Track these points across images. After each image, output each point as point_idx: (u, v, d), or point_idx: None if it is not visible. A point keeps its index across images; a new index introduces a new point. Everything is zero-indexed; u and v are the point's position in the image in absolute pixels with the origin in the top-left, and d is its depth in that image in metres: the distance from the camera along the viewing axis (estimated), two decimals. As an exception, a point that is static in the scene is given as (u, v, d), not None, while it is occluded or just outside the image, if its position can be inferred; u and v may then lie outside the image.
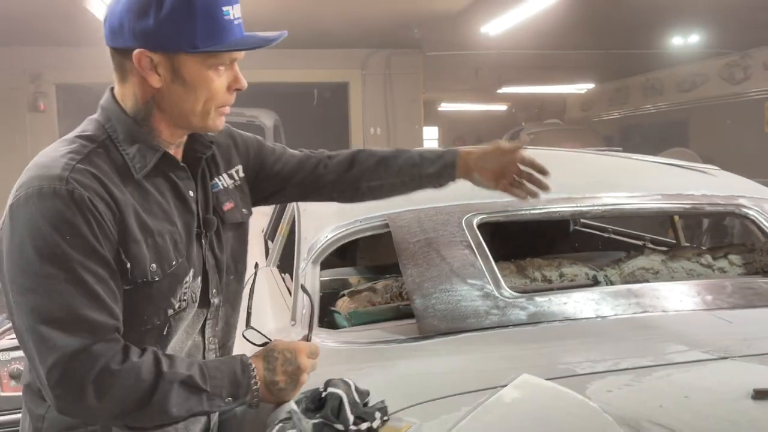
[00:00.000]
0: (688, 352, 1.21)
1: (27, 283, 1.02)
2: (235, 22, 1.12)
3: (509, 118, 16.94)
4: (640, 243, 2.81)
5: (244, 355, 1.15)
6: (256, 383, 1.12)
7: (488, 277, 1.50)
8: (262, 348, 1.18)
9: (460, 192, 1.61)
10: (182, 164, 1.20)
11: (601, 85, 13.21)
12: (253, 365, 1.13)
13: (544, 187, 1.47)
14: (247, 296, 1.33)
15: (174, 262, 1.14)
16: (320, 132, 8.90)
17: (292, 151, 1.48)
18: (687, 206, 1.86)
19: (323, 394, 1.00)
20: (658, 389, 1.07)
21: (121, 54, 1.11)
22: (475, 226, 1.67)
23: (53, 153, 1.09)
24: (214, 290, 1.25)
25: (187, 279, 1.18)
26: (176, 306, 1.16)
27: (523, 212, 1.77)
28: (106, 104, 1.16)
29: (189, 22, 1.07)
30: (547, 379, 1.10)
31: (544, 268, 1.87)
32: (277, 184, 1.44)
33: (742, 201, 1.90)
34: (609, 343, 1.30)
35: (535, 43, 7.97)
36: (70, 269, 1.01)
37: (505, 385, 1.09)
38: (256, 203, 1.44)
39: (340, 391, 0.98)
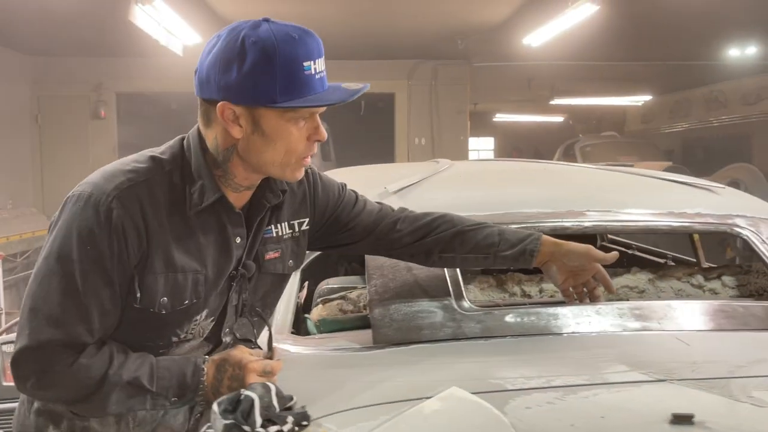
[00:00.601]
0: (627, 373, 1.18)
1: (41, 270, 1.12)
2: (317, 76, 1.16)
3: (566, 130, 16.63)
4: (662, 261, 2.74)
5: (200, 358, 1.20)
6: (203, 388, 1.16)
7: (451, 290, 1.51)
8: (222, 354, 1.22)
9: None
10: (238, 211, 1.24)
11: (661, 97, 12.82)
12: (205, 370, 1.17)
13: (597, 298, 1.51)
14: None
15: (186, 301, 1.19)
16: (366, 142, 9.01)
17: (371, 207, 1.48)
18: (674, 224, 1.81)
19: (241, 397, 1.04)
20: (577, 408, 1.06)
21: (207, 103, 1.17)
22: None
23: (122, 166, 1.17)
24: (227, 329, 1.29)
25: (198, 318, 1.23)
26: (182, 336, 1.23)
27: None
28: (193, 135, 1.22)
29: (269, 78, 1.12)
30: (474, 393, 1.11)
31: (524, 283, 1.85)
32: (348, 238, 1.46)
33: (737, 220, 1.83)
34: (552, 360, 1.29)
35: (587, 54, 7.84)
36: (70, 274, 1.10)
37: (430, 397, 1.10)
38: (326, 250, 1.53)
39: (253, 394, 1.02)
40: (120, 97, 8.80)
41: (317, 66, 1.16)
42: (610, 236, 3.11)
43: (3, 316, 5.29)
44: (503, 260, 1.48)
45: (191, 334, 1.24)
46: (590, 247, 1.49)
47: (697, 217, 1.85)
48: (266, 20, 1.17)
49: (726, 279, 1.84)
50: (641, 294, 1.78)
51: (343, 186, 1.49)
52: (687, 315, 1.48)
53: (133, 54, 7.20)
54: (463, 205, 1.84)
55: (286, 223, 1.36)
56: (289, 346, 1.47)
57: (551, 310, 1.48)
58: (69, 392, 1.12)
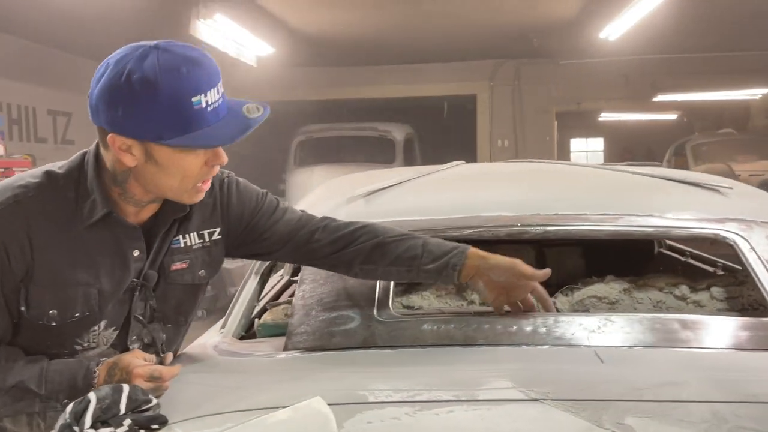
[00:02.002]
0: (503, 390, 1.10)
1: None
2: (209, 108, 1.14)
3: (682, 128, 15.53)
4: (710, 269, 2.50)
5: (94, 361, 1.23)
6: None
7: (377, 298, 1.46)
8: (114, 357, 1.25)
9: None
10: (134, 225, 1.26)
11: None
12: (97, 373, 1.21)
13: None
14: None
15: (78, 314, 1.23)
16: (449, 144, 8.92)
17: (290, 216, 1.45)
18: (648, 230, 1.64)
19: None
20: (418, 425, 0.99)
21: (100, 130, 1.18)
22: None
23: (13, 182, 1.23)
24: (134, 337, 1.33)
25: (96, 328, 1.27)
26: (84, 345, 1.28)
27: (454, 232, 1.68)
28: (92, 151, 1.25)
29: (155, 116, 1.11)
30: (334, 404, 1.07)
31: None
32: (266, 247, 1.43)
33: (729, 224, 1.64)
34: (438, 373, 1.21)
35: (687, 46, 7.31)
36: None
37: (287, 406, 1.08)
38: (248, 258, 1.53)
39: (92, 395, 1.04)
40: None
41: (209, 98, 1.14)
42: (668, 242, 2.88)
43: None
44: (426, 274, 1.41)
45: (94, 342, 1.28)
46: (517, 262, 1.40)
47: (683, 221, 1.67)
48: (156, 47, 1.15)
49: (715, 291, 1.66)
50: (612, 305, 1.64)
51: (264, 194, 1.46)
52: (624, 330, 1.34)
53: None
54: (424, 208, 1.80)
55: (195, 233, 1.36)
56: (211, 351, 1.49)
57: (475, 319, 1.40)
58: None
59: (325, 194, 2.09)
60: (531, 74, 8.50)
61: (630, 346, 1.30)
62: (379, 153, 8.77)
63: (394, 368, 1.26)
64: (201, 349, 1.62)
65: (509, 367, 1.22)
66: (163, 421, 1.09)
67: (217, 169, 1.26)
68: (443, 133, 9.30)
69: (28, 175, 1.24)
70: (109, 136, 1.15)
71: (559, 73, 8.63)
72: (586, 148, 19.76)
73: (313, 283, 1.55)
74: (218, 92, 1.17)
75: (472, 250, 1.40)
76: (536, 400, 1.04)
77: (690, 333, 1.33)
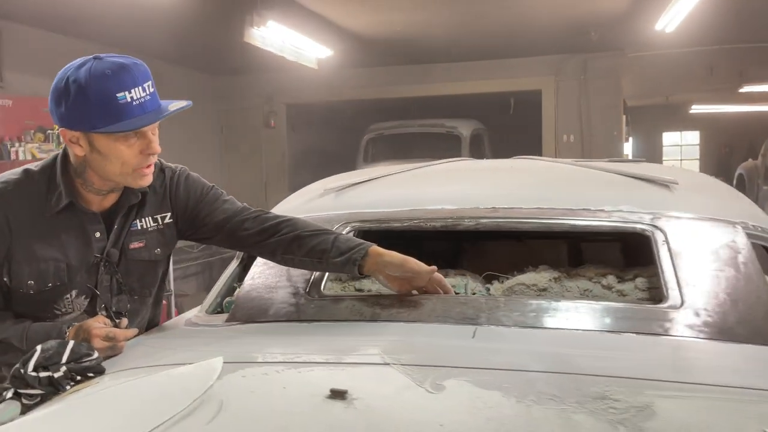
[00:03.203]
0: (365, 356, 1.27)
1: None
2: (135, 103, 1.43)
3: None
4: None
5: (66, 324, 1.53)
6: None
7: (311, 281, 1.68)
8: (81, 322, 1.53)
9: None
10: (93, 211, 1.56)
11: None
12: (67, 333, 1.50)
13: None
14: None
15: (50, 284, 1.54)
16: (515, 140, 8.90)
17: (228, 206, 1.70)
18: (574, 223, 1.75)
19: (38, 350, 1.34)
20: (280, 380, 1.19)
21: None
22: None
23: (2, 177, 1.56)
24: (102, 305, 1.61)
25: (68, 296, 1.57)
26: (62, 311, 1.58)
27: (396, 223, 1.86)
28: (62, 151, 1.57)
29: (87, 109, 1.42)
30: (229, 362, 1.28)
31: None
32: (206, 232, 1.71)
33: (650, 218, 1.71)
34: (325, 342, 1.41)
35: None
36: None
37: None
38: (196, 241, 1.81)
39: (38, 347, 1.32)
40: (289, 107, 9.77)
41: (133, 94, 1.43)
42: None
43: (173, 297, 6.29)
44: (333, 266, 1.62)
45: (69, 308, 1.58)
46: (408, 259, 1.58)
47: (610, 215, 1.77)
48: (96, 58, 1.46)
49: (639, 281, 1.75)
50: (541, 292, 1.76)
51: (210, 187, 1.74)
52: (513, 312, 1.47)
53: (272, 69, 7.99)
54: (379, 202, 2.00)
55: (150, 217, 1.65)
56: (182, 323, 1.76)
57: (385, 300, 1.58)
58: None
59: (308, 189, 2.31)
60: (598, 68, 8.32)
61: (509, 326, 1.43)
62: (445, 149, 8.88)
63: (296, 337, 1.47)
64: (177, 321, 1.90)
65: (389, 338, 1.39)
66: (98, 371, 1.36)
67: (153, 158, 1.53)
68: (510, 129, 9.28)
69: (10, 173, 1.56)
70: (60, 130, 1.46)
71: (629, 66, 8.41)
72: (680, 142, 18.85)
73: (263, 267, 1.78)
74: (144, 91, 1.45)
75: (373, 248, 1.59)
76: (387, 364, 1.22)
77: (570, 316, 1.45)
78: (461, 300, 1.55)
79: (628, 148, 13.76)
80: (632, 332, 1.38)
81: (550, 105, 8.63)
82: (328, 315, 1.57)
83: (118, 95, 1.42)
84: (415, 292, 1.61)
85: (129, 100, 1.43)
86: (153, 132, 1.54)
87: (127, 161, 1.49)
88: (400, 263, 1.57)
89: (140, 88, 1.45)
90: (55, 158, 1.57)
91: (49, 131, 5.85)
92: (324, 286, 1.68)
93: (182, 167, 1.75)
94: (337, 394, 1.08)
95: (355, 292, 1.80)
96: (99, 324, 1.50)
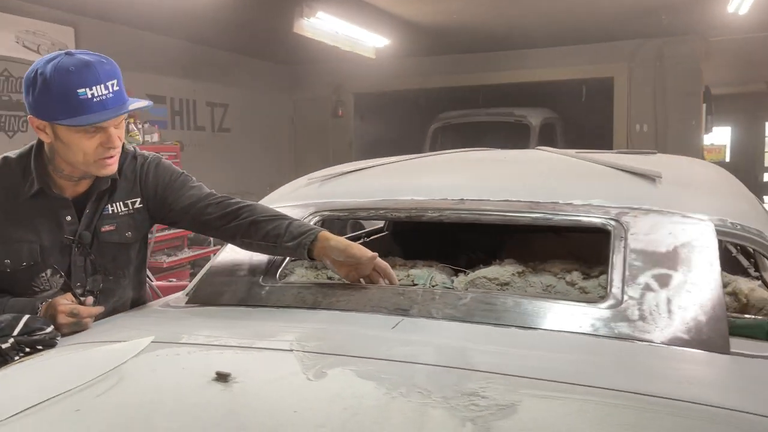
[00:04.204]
0: (276, 342, 1.31)
1: None
2: (95, 99, 1.52)
3: None
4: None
5: (39, 300, 1.64)
6: None
7: (266, 269, 1.73)
8: (53, 299, 1.65)
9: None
10: (63, 197, 1.67)
11: None
12: (40, 308, 1.62)
13: None
14: None
15: (24, 263, 1.66)
16: (586, 129, 8.59)
17: (195, 192, 1.78)
18: (534, 217, 1.70)
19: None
20: (186, 358, 1.25)
21: None
22: (311, 222, 1.87)
23: None
24: (78, 283, 1.72)
25: (44, 275, 1.69)
26: (39, 288, 1.70)
27: (363, 213, 1.88)
28: (38, 140, 1.68)
29: (50, 101, 1.52)
30: (156, 341, 1.35)
31: (398, 267, 1.93)
32: (173, 216, 1.80)
33: (615, 212, 1.64)
34: (252, 326, 1.45)
35: None
36: None
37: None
38: (166, 225, 1.91)
39: (-8, 320, 1.44)
40: (356, 96, 9.88)
41: (95, 91, 1.52)
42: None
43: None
44: (286, 250, 1.67)
45: (46, 286, 1.71)
46: (351, 245, 1.61)
47: (576, 209, 1.71)
48: (67, 54, 1.56)
49: (603, 279, 1.68)
50: (502, 287, 1.74)
51: (179, 173, 1.82)
52: (446, 304, 1.46)
53: (339, 60, 8.08)
54: (354, 192, 2.02)
55: (121, 202, 1.75)
56: (159, 305, 1.86)
57: (329, 290, 1.60)
58: None
59: (298, 180, 2.36)
60: (675, 53, 7.84)
61: (438, 318, 1.42)
62: (513, 138, 8.70)
63: (231, 321, 1.52)
64: (157, 303, 2.00)
65: (312, 326, 1.42)
66: (49, 345, 1.47)
67: (115, 151, 1.62)
68: (581, 117, 8.95)
69: None
70: (29, 117, 1.58)
71: (711, 51, 7.88)
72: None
73: (228, 253, 1.85)
74: (107, 89, 1.54)
75: (323, 233, 1.63)
76: (291, 350, 1.25)
77: (500, 312, 1.41)
78: (399, 291, 1.54)
79: (714, 138, 12.94)
80: (557, 330, 1.34)
81: (622, 92, 8.24)
82: (274, 301, 1.61)
83: (78, 91, 1.51)
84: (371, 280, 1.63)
85: (89, 96, 1.52)
86: (116, 126, 1.63)
87: (87, 152, 1.59)
88: (343, 248, 1.60)
89: (102, 86, 1.54)
90: (31, 147, 1.70)
91: (120, 120, 6.21)
92: (282, 273, 1.73)
93: (154, 155, 1.84)
94: (221, 377, 1.12)
95: (326, 280, 1.83)
96: (65, 301, 1.62)
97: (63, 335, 1.55)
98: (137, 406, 1.06)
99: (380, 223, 3.09)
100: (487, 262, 1.85)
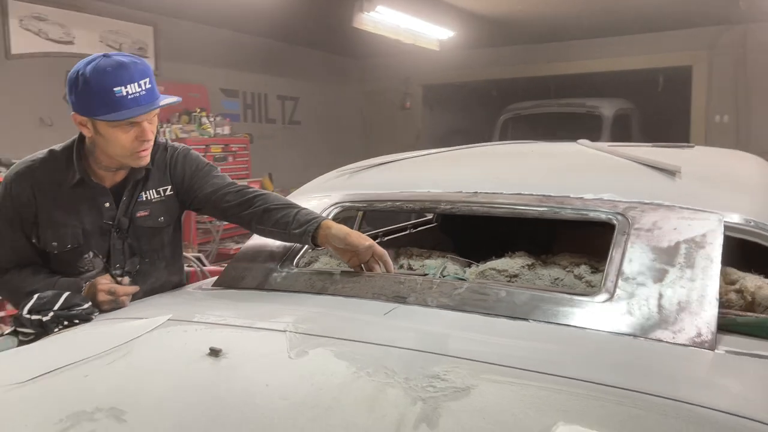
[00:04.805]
0: (272, 323, 1.40)
1: None
2: (129, 97, 1.68)
3: None
4: None
5: (84, 280, 1.81)
6: None
7: (282, 255, 1.84)
8: (94, 279, 1.83)
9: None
10: (102, 185, 1.84)
11: None
12: (84, 287, 1.80)
13: None
14: None
15: (69, 245, 1.84)
16: (662, 120, 8.27)
17: (218, 181, 1.93)
18: (542, 209, 1.72)
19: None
20: (184, 335, 1.37)
21: None
22: (331, 212, 1.97)
23: (29, 157, 1.90)
24: (117, 265, 1.90)
25: (86, 256, 1.87)
26: (84, 269, 1.88)
27: (380, 204, 1.95)
28: (79, 134, 1.86)
29: (90, 99, 1.69)
30: (172, 319, 1.49)
31: (414, 257, 2.00)
32: (199, 203, 1.96)
33: (623, 206, 1.64)
34: (257, 308, 1.55)
35: None
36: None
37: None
38: (198, 212, 2.06)
39: (35, 295, 1.62)
40: (425, 88, 9.91)
41: (129, 89, 1.68)
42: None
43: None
44: (294, 237, 1.78)
45: (90, 266, 1.89)
46: (351, 232, 1.69)
47: (586, 203, 1.72)
48: (105, 56, 1.73)
49: (610, 272, 1.68)
50: (511, 278, 1.78)
51: (206, 164, 1.98)
52: (443, 293, 1.52)
53: (407, 52, 8.11)
54: (377, 184, 2.11)
55: (153, 190, 1.91)
56: (193, 288, 2.01)
57: (337, 277, 1.69)
58: (4, 296, 1.88)
59: (330, 173, 2.46)
60: (760, 40, 7.39)
61: (432, 307, 1.48)
62: (584, 130, 8.50)
63: (243, 303, 1.64)
64: (194, 286, 2.15)
65: (312, 309, 1.51)
66: (85, 319, 1.64)
67: (148, 143, 1.78)
68: (658, 108, 8.61)
69: (39, 152, 1.88)
70: (72, 114, 1.74)
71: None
72: None
73: (254, 242, 1.97)
74: (140, 87, 1.70)
75: (326, 222, 1.73)
76: (284, 331, 1.35)
77: (491, 302, 1.45)
78: (400, 280, 1.61)
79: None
80: (542, 321, 1.37)
81: (701, 82, 7.86)
82: (286, 286, 1.72)
83: (115, 89, 1.67)
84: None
85: (125, 93, 1.68)
86: (149, 121, 1.78)
87: (124, 145, 1.75)
88: (342, 236, 1.70)
89: (136, 84, 1.69)
90: (74, 140, 1.88)
91: (193, 114, 6.56)
92: (304, 261, 1.84)
93: (183, 146, 2.00)
94: (214, 352, 1.24)
95: (344, 268, 1.93)
96: (105, 281, 1.79)
97: (102, 312, 1.72)
98: (136, 373, 1.19)
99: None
100: (500, 254, 1.89)
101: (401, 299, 1.54)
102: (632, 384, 1.07)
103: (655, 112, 8.43)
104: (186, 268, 2.31)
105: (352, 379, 1.10)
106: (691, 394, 1.05)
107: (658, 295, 1.37)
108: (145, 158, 1.82)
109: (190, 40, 7.01)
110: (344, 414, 0.99)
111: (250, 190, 1.90)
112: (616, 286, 1.41)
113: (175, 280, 2.07)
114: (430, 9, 5.92)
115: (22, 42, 5.46)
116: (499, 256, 1.89)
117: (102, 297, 1.74)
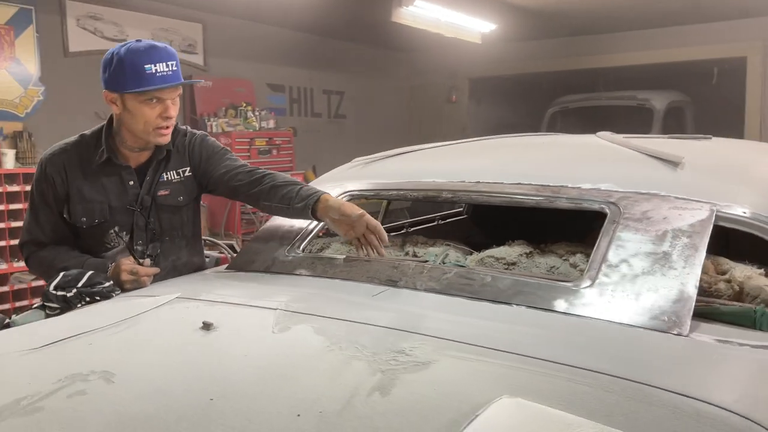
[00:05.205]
0: (267, 301, 1.49)
1: None
2: (158, 74, 1.87)
3: None
4: None
5: (110, 260, 1.98)
6: (107, 276, 1.95)
7: (290, 240, 1.93)
8: (118, 261, 1.98)
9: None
10: (126, 164, 2.01)
11: None
12: (110, 267, 1.95)
13: (379, 253, 1.82)
14: None
15: (97, 220, 2.01)
16: (715, 114, 8.00)
17: (230, 163, 2.06)
18: (538, 198, 1.75)
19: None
20: (189, 311, 1.47)
21: None
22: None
23: (63, 141, 2.08)
24: (140, 241, 2.05)
25: (112, 231, 2.02)
26: (111, 244, 2.04)
27: (385, 193, 2.03)
28: (108, 119, 2.05)
29: (122, 74, 1.89)
30: (180, 297, 1.61)
31: (419, 245, 2.06)
32: (214, 184, 2.09)
33: (617, 196, 1.66)
34: (258, 288, 1.65)
35: None
36: (33, 201, 2.05)
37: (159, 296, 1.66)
38: (211, 193, 2.16)
39: (62, 273, 1.76)
40: (472, 81, 9.88)
41: (158, 68, 1.86)
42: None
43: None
44: (296, 212, 1.89)
45: (116, 242, 2.03)
46: (344, 204, 1.80)
47: (582, 192, 1.75)
48: (137, 41, 1.91)
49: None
50: (509, 266, 1.82)
51: (221, 148, 2.12)
52: (432, 277, 1.58)
53: (453, 45, 8.10)
54: (387, 174, 2.18)
55: (173, 171, 2.05)
56: (211, 270, 2.13)
57: (337, 262, 1.77)
58: (37, 272, 2.05)
59: (347, 164, 2.54)
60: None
61: (419, 290, 1.54)
62: (634, 123, 8.32)
63: (248, 283, 1.74)
64: (215, 269, 2.28)
65: (306, 290, 1.61)
66: (105, 296, 1.77)
67: (171, 121, 1.94)
68: (713, 101, 8.33)
69: (72, 137, 2.04)
70: (104, 92, 1.92)
71: None
72: None
73: (266, 228, 2.08)
74: (167, 67, 1.87)
75: (324, 195, 1.85)
76: (276, 309, 1.44)
77: (476, 286, 1.51)
78: (395, 265, 1.68)
79: None
80: (522, 305, 1.42)
81: (755, 74, 7.57)
82: (291, 269, 1.81)
83: (146, 66, 1.86)
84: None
85: (154, 71, 1.86)
86: (173, 101, 1.95)
87: (149, 121, 1.91)
88: (337, 207, 1.81)
89: (164, 63, 1.87)
90: (102, 126, 2.03)
91: (239, 108, 6.77)
92: (312, 247, 1.93)
93: (201, 132, 2.16)
94: (206, 326, 1.34)
95: (351, 255, 2.02)
96: (127, 262, 1.93)
97: (124, 290, 1.86)
98: (133, 342, 1.31)
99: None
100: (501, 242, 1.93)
101: (393, 282, 1.61)
102: (588, 364, 1.11)
103: (710, 105, 8.16)
104: (218, 254, 2.45)
105: (323, 352, 1.18)
106: (645, 374, 1.08)
107: (638, 282, 1.39)
108: (166, 136, 1.97)
109: (238, 37, 7.22)
110: (307, 382, 1.07)
111: (260, 170, 2.02)
112: (598, 273, 1.45)
113: (196, 261, 2.20)
114: (471, 2, 5.92)
115: (79, 40, 5.76)
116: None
117: (125, 276, 1.88)
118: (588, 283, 1.44)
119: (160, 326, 1.41)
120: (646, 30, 8.16)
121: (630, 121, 8.43)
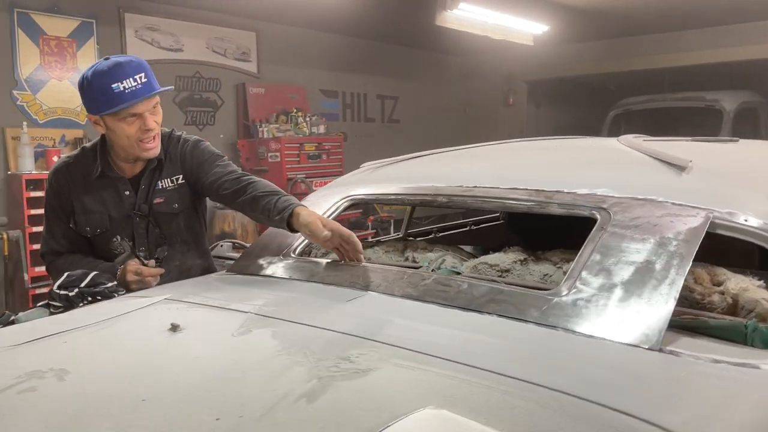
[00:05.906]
0: (243, 305, 1.51)
1: None
2: (126, 91, 1.90)
3: None
4: None
5: (119, 264, 2.05)
6: (117, 279, 2.02)
7: (289, 247, 1.95)
8: (126, 263, 2.05)
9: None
10: (122, 176, 2.08)
11: None
12: (119, 270, 2.03)
13: (358, 260, 1.80)
14: None
15: (99, 230, 2.09)
16: None
17: (220, 170, 2.07)
18: (530, 203, 1.70)
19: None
20: (167, 313, 1.51)
21: None
22: (340, 206, 2.06)
23: (68, 154, 2.19)
24: (142, 248, 2.12)
25: (115, 239, 2.10)
26: (117, 251, 2.11)
27: (385, 196, 2.01)
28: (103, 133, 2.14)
29: (93, 97, 1.94)
30: (170, 299, 1.65)
31: (418, 251, 2.04)
32: (206, 191, 2.13)
33: (609, 201, 1.59)
34: (243, 291, 1.67)
35: None
36: (47, 213, 2.15)
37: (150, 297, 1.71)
38: (210, 199, 2.21)
39: (66, 274, 1.84)
40: (529, 84, 9.68)
41: (125, 84, 1.89)
42: None
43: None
44: (274, 223, 1.90)
45: (121, 249, 2.11)
46: (313, 221, 1.76)
47: (576, 197, 1.69)
48: (105, 59, 1.96)
49: (596, 269, 1.63)
50: (503, 273, 1.78)
51: (212, 153, 2.15)
52: (411, 284, 1.56)
53: (510, 48, 7.95)
54: (390, 178, 2.17)
55: (168, 179, 2.11)
56: (218, 274, 2.18)
57: (323, 266, 1.78)
58: (56, 278, 2.14)
59: (359, 169, 2.54)
60: None
61: (396, 296, 1.52)
62: (702, 125, 7.94)
63: (234, 287, 1.77)
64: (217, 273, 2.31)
65: (285, 294, 1.62)
66: (107, 297, 1.84)
67: (152, 133, 1.98)
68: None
69: (75, 151, 2.13)
70: (87, 114, 1.98)
71: None
72: None
73: (266, 234, 2.10)
74: (135, 81, 1.90)
75: (296, 209, 1.82)
76: (248, 312, 1.45)
77: (451, 293, 1.48)
78: (377, 270, 1.67)
79: None
80: (492, 314, 1.37)
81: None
82: (280, 274, 1.83)
83: (112, 86, 1.89)
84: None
85: (122, 89, 1.89)
86: (151, 112, 1.99)
87: (130, 136, 1.96)
88: (306, 224, 1.77)
89: (131, 79, 1.90)
90: (98, 140, 2.11)
91: (291, 114, 6.90)
92: (301, 251, 1.95)
93: (195, 138, 2.19)
94: (174, 327, 1.37)
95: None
96: (133, 263, 2.00)
97: (132, 291, 1.92)
98: (101, 341, 1.36)
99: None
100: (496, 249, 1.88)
101: (372, 288, 1.59)
102: (534, 377, 1.06)
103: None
104: (235, 254, 2.50)
105: (271, 356, 1.18)
106: (590, 390, 1.03)
107: (614, 293, 1.32)
108: (152, 150, 2.01)
109: (291, 45, 7.36)
110: (242, 386, 1.07)
111: (246, 178, 2.02)
112: (575, 282, 1.38)
113: (202, 264, 2.24)
114: (519, 3, 5.81)
115: (137, 51, 6.02)
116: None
117: (130, 277, 1.95)
118: (565, 292, 1.38)
119: (134, 327, 1.45)
120: (715, 27, 7.77)
121: (698, 123, 8.05)
